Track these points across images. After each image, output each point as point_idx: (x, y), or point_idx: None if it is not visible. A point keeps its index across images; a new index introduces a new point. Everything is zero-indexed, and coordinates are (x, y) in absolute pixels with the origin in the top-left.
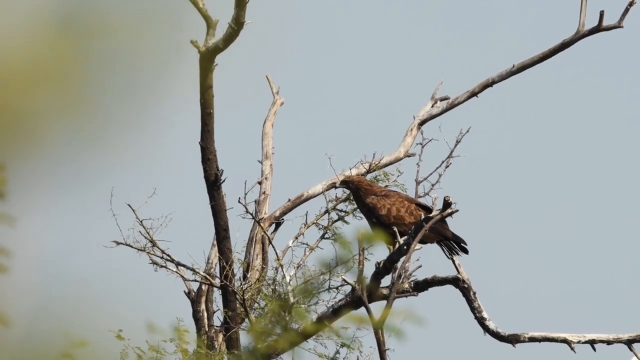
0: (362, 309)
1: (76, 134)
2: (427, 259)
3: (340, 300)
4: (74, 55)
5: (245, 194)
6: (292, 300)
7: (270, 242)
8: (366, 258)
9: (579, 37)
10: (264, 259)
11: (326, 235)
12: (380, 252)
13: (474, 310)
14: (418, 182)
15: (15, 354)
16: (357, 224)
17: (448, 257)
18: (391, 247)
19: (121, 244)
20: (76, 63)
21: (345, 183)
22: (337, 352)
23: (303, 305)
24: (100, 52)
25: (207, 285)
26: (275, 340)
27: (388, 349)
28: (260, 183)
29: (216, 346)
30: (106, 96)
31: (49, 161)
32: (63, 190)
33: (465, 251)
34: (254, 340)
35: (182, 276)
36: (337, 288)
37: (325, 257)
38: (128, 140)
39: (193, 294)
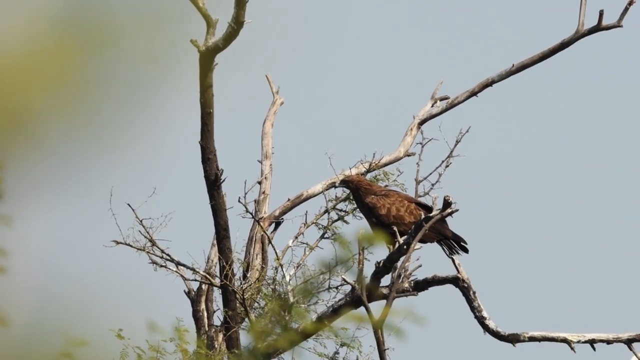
0: (362, 309)
1: (76, 133)
2: (427, 258)
3: (340, 300)
4: (74, 55)
5: (245, 194)
6: (291, 299)
7: (270, 242)
8: (366, 258)
9: (578, 36)
10: (264, 259)
11: (326, 235)
12: (380, 251)
13: (474, 309)
14: (418, 182)
15: (15, 354)
16: (357, 224)
17: (448, 256)
18: (391, 247)
19: (121, 243)
20: (76, 63)
21: (345, 182)
22: (337, 351)
23: (303, 305)
24: (100, 51)
25: (207, 285)
26: (275, 340)
27: (387, 349)
28: (260, 183)
29: (216, 346)
30: (106, 95)
31: (48, 160)
32: (63, 190)
33: (466, 250)
34: (254, 339)
35: (182, 276)
36: (337, 288)
37: (325, 257)
38: (128, 140)
39: (193, 293)
